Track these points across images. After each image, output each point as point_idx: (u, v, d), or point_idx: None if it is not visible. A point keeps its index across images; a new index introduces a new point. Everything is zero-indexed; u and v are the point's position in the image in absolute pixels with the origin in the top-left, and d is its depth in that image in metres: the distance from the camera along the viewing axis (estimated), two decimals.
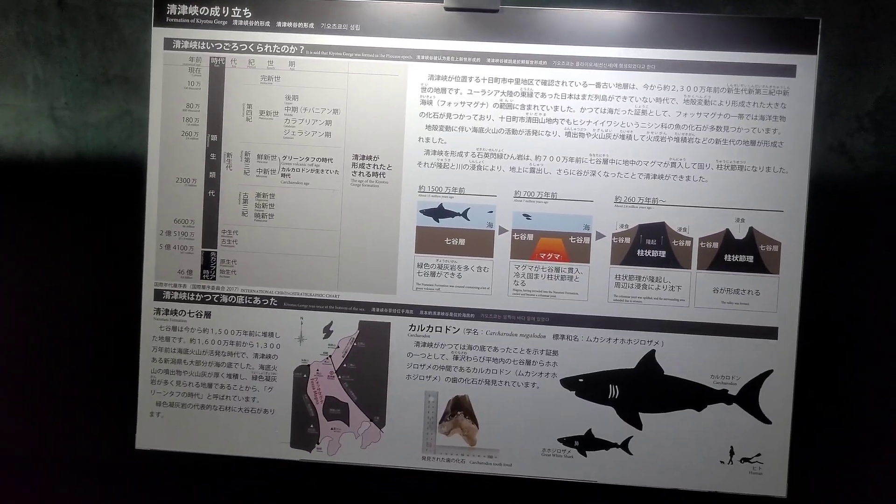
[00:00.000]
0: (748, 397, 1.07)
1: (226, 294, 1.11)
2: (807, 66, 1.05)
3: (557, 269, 1.08)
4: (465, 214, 1.08)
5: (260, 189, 1.10)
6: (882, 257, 1.21)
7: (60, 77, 1.28)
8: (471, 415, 1.10)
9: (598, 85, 1.07)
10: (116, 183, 1.27)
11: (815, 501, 1.21)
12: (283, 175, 1.09)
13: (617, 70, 1.07)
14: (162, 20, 1.09)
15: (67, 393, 1.29)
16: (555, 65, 1.07)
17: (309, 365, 1.11)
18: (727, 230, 1.06)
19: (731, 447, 1.07)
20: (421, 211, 1.09)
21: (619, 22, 1.06)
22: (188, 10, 1.09)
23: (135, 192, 1.14)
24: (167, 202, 1.10)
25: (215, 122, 1.10)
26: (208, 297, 1.11)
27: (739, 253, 1.07)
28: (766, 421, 1.07)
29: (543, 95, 1.07)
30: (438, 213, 1.09)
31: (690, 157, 1.06)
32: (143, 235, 1.11)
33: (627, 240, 1.07)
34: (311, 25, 1.08)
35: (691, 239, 1.07)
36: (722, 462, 1.08)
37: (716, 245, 1.07)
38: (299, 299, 1.10)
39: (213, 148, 1.10)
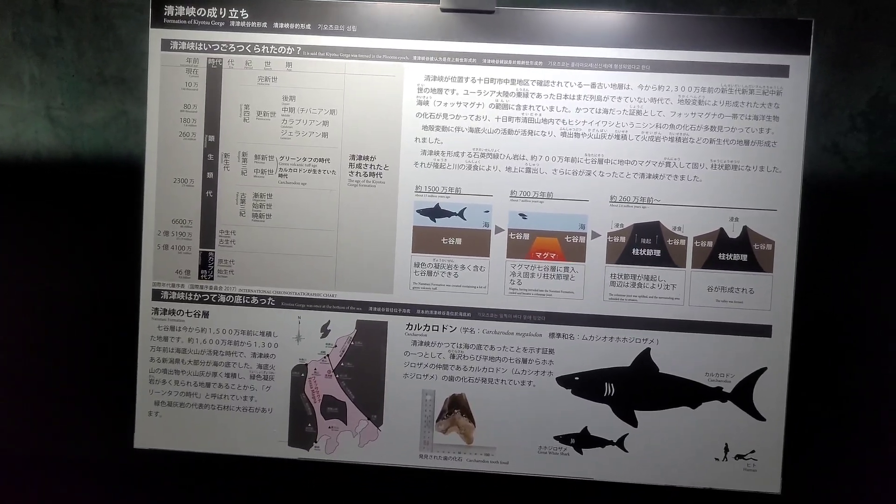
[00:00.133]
0: (742, 395, 1.08)
1: (224, 294, 1.11)
2: (800, 66, 1.06)
3: (553, 269, 1.09)
4: (461, 214, 1.09)
5: (257, 189, 1.10)
6: (875, 256, 1.22)
7: (57, 77, 1.28)
8: (468, 413, 1.11)
9: (593, 85, 1.08)
10: (113, 183, 1.27)
11: (809, 498, 1.22)
12: (280, 175, 1.10)
13: (612, 70, 1.07)
14: (159, 21, 1.10)
15: (66, 393, 1.30)
16: (550, 65, 1.08)
17: (307, 364, 1.11)
18: (721, 229, 1.07)
19: (726, 444, 1.08)
20: (418, 211, 1.09)
21: (614, 23, 1.07)
22: (185, 12, 1.09)
23: (132, 193, 1.14)
24: (165, 202, 1.11)
25: (213, 123, 1.10)
26: (206, 297, 1.11)
27: (733, 252, 1.07)
28: (761, 418, 1.08)
29: (539, 96, 1.08)
30: (435, 212, 1.09)
31: (685, 157, 1.07)
32: (140, 236, 1.11)
33: (622, 239, 1.08)
34: (308, 27, 1.09)
35: (686, 238, 1.08)
36: (717, 459, 1.08)
37: (710, 244, 1.08)
38: (297, 299, 1.10)
39: (211, 148, 1.10)
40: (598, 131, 1.08)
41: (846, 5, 1.20)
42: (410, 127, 1.09)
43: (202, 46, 1.10)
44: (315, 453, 1.12)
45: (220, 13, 1.09)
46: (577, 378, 1.09)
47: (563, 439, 1.10)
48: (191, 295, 1.11)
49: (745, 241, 1.07)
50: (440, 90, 1.09)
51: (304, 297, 1.10)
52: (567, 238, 1.08)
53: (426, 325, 1.10)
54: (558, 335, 1.09)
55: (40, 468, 1.30)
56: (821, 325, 1.20)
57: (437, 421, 1.11)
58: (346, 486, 1.25)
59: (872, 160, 1.22)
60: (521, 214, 1.09)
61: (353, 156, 1.09)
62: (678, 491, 1.09)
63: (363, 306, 1.10)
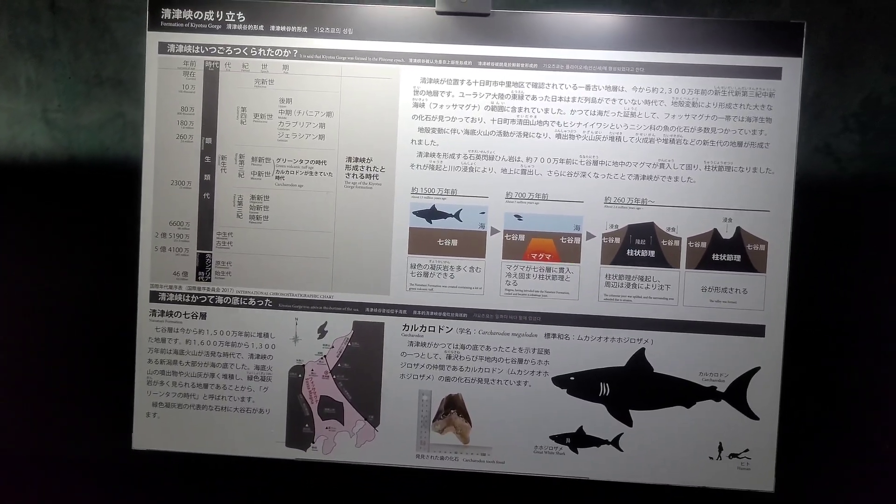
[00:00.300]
0: (736, 394, 1.09)
1: (221, 295, 1.12)
2: (792, 68, 1.07)
3: (549, 269, 1.09)
4: (457, 216, 1.10)
5: (254, 191, 1.11)
6: (867, 256, 1.23)
7: (53, 80, 1.28)
8: (464, 413, 1.11)
9: (587, 87, 1.08)
10: (110, 185, 1.27)
11: (803, 496, 1.23)
12: (277, 177, 1.10)
13: (606, 73, 1.08)
14: (156, 24, 1.10)
15: (64, 394, 1.30)
16: (545, 68, 1.08)
17: (304, 365, 1.12)
18: (715, 230, 1.08)
19: (720, 443, 1.09)
20: (414, 212, 1.10)
21: (609, 25, 1.08)
22: (182, 15, 1.10)
23: (129, 195, 1.14)
24: (162, 204, 1.11)
25: (210, 125, 1.10)
26: (204, 299, 1.12)
27: (727, 252, 1.08)
28: (754, 417, 1.09)
29: (534, 98, 1.09)
30: (431, 214, 1.10)
31: (679, 159, 1.08)
32: (138, 237, 1.12)
33: (617, 240, 1.09)
34: (305, 29, 1.09)
35: (680, 239, 1.08)
36: (711, 458, 1.09)
37: (704, 245, 1.08)
38: (294, 300, 1.11)
39: (208, 151, 1.11)
40: (592, 133, 1.08)
41: (839, 7, 1.21)
42: (406, 129, 1.10)
43: (199, 49, 1.10)
44: (312, 454, 1.12)
45: (217, 16, 1.10)
46: (572, 378, 1.10)
47: (559, 439, 1.10)
48: (188, 296, 1.12)
49: (739, 241, 1.08)
50: (436, 92, 1.09)
51: (301, 298, 1.11)
52: (562, 239, 1.09)
53: (422, 326, 1.11)
54: (554, 335, 1.10)
55: (39, 469, 1.31)
56: (814, 325, 1.21)
57: (433, 421, 1.11)
58: (344, 487, 1.25)
59: (865, 161, 1.23)
60: (516, 216, 1.09)
61: (350, 158, 1.10)
62: (673, 490, 1.10)
63: (360, 307, 1.11)
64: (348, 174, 1.10)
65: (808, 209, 1.12)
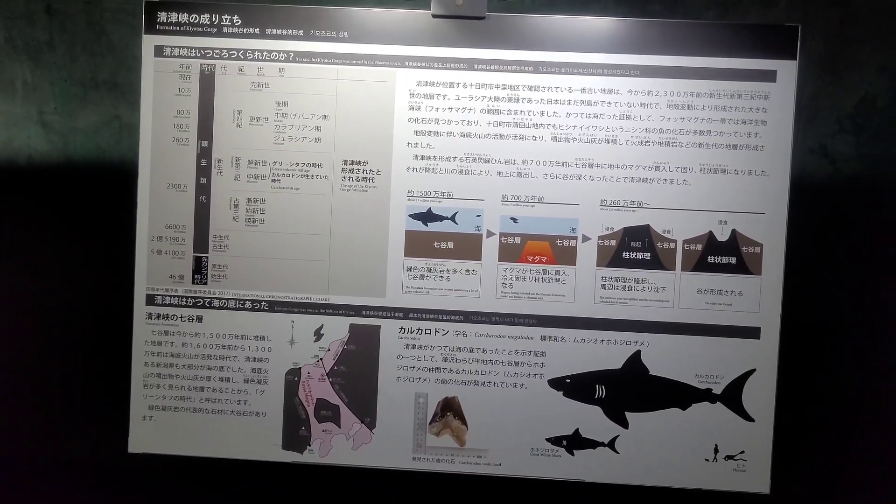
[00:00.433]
0: (732, 396, 1.09)
1: (217, 298, 1.12)
2: (787, 70, 1.07)
3: (544, 272, 1.10)
4: (453, 218, 1.10)
5: (250, 194, 1.11)
6: (861, 257, 1.23)
7: (49, 82, 1.28)
8: (460, 416, 1.11)
9: (583, 90, 1.09)
10: (106, 188, 1.27)
11: (798, 498, 1.23)
12: (273, 180, 1.10)
13: (602, 76, 1.08)
14: (152, 28, 1.10)
15: (60, 397, 1.30)
16: (541, 71, 1.09)
17: (300, 368, 1.12)
18: (710, 232, 1.08)
19: (716, 445, 1.09)
20: (410, 215, 1.10)
21: (604, 28, 1.08)
22: (178, 18, 1.10)
23: (125, 198, 1.14)
24: (158, 207, 1.11)
25: (206, 129, 1.11)
26: (200, 302, 1.12)
27: (722, 254, 1.08)
28: (750, 419, 1.09)
29: (530, 101, 1.09)
30: (427, 217, 1.10)
31: (674, 161, 1.08)
32: (134, 241, 1.12)
33: (613, 242, 1.09)
34: (301, 33, 1.09)
35: (675, 241, 1.09)
36: (706, 460, 1.10)
37: (699, 247, 1.09)
38: (290, 303, 1.11)
39: (204, 154, 1.11)
40: (588, 136, 1.09)
41: (833, 10, 1.21)
42: (402, 132, 1.10)
43: (195, 52, 1.10)
44: (309, 456, 1.12)
45: (213, 19, 1.10)
46: (568, 380, 1.10)
47: (555, 441, 1.10)
48: (184, 299, 1.12)
49: (734, 243, 1.08)
50: (432, 95, 1.09)
51: (297, 301, 1.11)
52: (558, 241, 1.09)
53: (419, 329, 1.11)
54: (550, 338, 1.10)
55: (36, 472, 1.30)
56: (809, 327, 1.21)
57: (429, 423, 1.12)
58: (340, 489, 1.26)
59: (860, 162, 1.23)
60: (512, 218, 1.10)
61: (346, 161, 1.10)
62: (668, 492, 1.10)
63: (356, 310, 1.11)
64: (344, 177, 1.10)
65: (804, 211, 1.13)
